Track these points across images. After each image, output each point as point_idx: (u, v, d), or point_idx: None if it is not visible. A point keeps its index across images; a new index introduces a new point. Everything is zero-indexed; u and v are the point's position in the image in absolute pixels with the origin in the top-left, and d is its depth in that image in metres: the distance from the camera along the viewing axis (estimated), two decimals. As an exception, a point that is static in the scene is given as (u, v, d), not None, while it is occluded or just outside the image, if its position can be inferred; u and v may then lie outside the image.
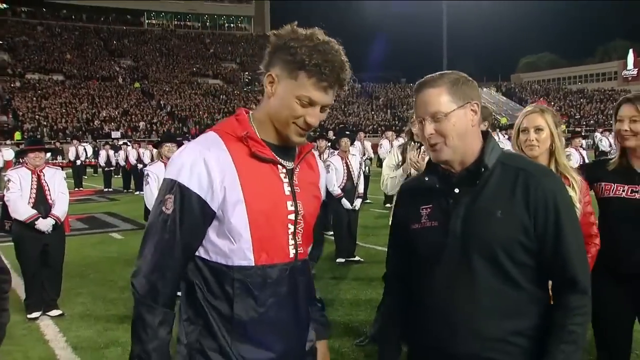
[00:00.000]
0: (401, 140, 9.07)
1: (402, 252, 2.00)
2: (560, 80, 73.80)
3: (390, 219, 2.23)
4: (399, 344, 2.02)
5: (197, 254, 1.73)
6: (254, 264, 1.70)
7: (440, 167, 1.88)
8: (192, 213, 1.66)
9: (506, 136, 15.23)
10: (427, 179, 1.91)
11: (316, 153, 2.01)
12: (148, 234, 1.71)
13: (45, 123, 40.21)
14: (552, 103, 53.59)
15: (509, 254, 1.75)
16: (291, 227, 1.76)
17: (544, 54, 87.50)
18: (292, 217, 1.76)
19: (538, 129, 2.84)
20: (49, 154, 6.69)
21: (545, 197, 1.76)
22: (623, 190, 2.93)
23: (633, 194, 2.89)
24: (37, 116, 41.00)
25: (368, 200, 13.97)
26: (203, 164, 1.66)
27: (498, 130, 15.51)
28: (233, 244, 1.69)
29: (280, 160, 1.76)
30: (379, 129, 41.95)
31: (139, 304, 1.67)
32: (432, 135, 1.80)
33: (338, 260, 8.36)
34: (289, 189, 1.76)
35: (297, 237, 1.78)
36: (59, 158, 28.53)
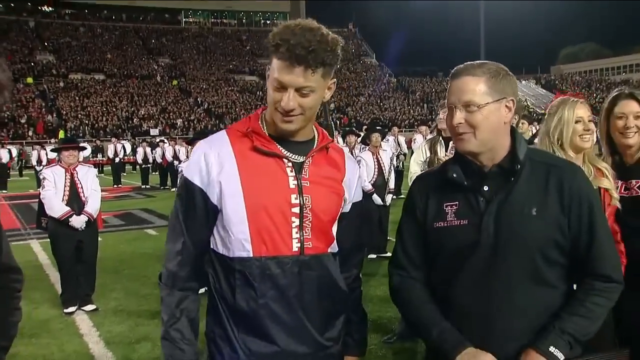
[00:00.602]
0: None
1: (420, 248, 1.89)
2: (602, 71, 71.73)
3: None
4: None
5: (211, 246, 1.81)
6: (252, 255, 1.72)
7: (469, 163, 1.80)
8: (195, 205, 1.77)
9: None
10: (454, 175, 1.81)
11: (346, 150, 1.97)
12: (169, 227, 1.85)
13: (86, 121, 41.22)
14: (595, 95, 52.20)
15: (545, 253, 1.71)
16: (296, 221, 1.75)
17: (585, 44, 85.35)
18: (296, 210, 1.75)
19: (590, 120, 2.72)
20: (85, 152, 6.85)
21: (580, 194, 1.73)
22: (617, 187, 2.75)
23: (626, 191, 2.75)
24: (79, 115, 42.05)
25: (402, 196, 13.86)
26: (203, 159, 1.76)
27: (536, 123, 15.15)
28: (232, 236, 1.74)
29: (286, 153, 1.77)
30: (415, 123, 41.61)
31: (160, 289, 1.82)
32: (461, 124, 1.74)
33: (369, 256, 8.32)
34: (295, 182, 1.76)
35: (303, 231, 1.76)
36: (99, 156, 29.15)
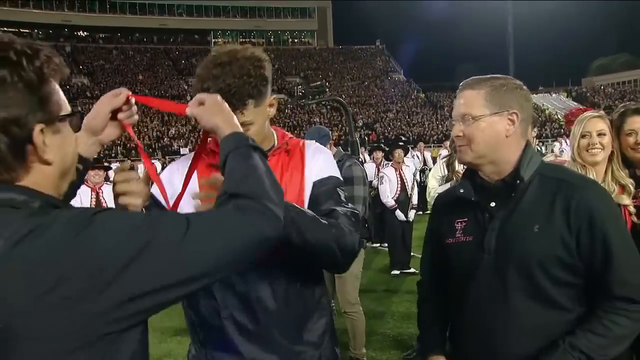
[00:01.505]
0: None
1: (436, 264, 1.95)
2: (637, 82, 70.30)
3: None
4: (443, 338, 1.93)
5: None
6: None
7: (478, 178, 1.81)
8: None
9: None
10: (462, 190, 1.83)
11: (310, 145, 1.93)
12: None
13: (118, 141, 42.04)
14: (629, 106, 51.09)
15: (546, 270, 1.65)
16: None
17: (618, 55, 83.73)
18: None
19: (601, 134, 2.74)
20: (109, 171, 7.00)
21: (590, 211, 1.64)
22: None
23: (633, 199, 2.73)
24: (111, 135, 42.90)
25: (428, 211, 13.74)
26: (169, 177, 1.83)
27: (565, 136, 14.92)
28: None
29: None
30: (444, 138, 41.38)
31: None
32: (459, 137, 1.76)
33: (393, 272, 8.31)
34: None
35: None
36: (131, 175, 29.61)
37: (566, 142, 15.55)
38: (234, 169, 1.26)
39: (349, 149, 7.10)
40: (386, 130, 47.54)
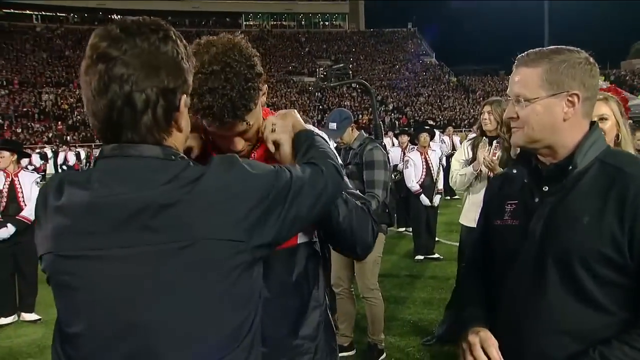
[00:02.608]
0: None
1: (482, 245, 1.83)
2: (677, 65, 67.97)
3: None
4: (483, 310, 1.75)
5: None
6: None
7: (533, 159, 1.66)
8: None
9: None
10: (514, 171, 1.72)
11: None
12: None
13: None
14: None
15: (590, 267, 1.48)
16: None
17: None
18: None
19: (602, 118, 2.62)
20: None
21: None
22: None
23: None
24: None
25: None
26: None
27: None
28: None
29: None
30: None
31: None
32: (512, 118, 1.62)
33: (416, 257, 8.23)
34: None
35: None
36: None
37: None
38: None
39: (374, 132, 6.97)
40: (417, 114, 47.12)
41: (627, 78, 57.32)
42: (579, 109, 1.56)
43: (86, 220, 1.17)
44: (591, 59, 1.60)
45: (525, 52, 1.63)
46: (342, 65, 9.51)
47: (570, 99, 1.55)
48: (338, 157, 1.58)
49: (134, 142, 1.20)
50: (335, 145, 4.67)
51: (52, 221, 1.21)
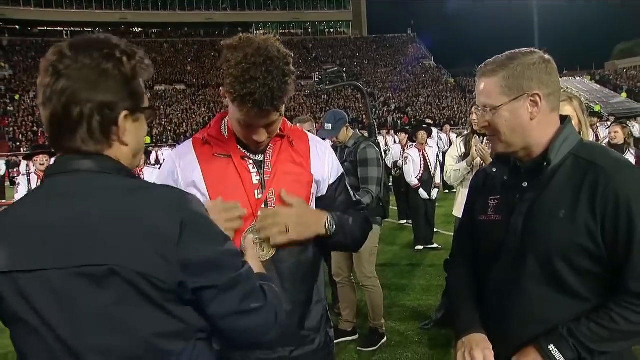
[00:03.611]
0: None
1: (468, 241, 1.79)
2: (659, 64, 67.15)
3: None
4: (477, 308, 1.72)
5: None
6: None
7: (512, 157, 1.64)
8: None
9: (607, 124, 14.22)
10: (494, 169, 1.69)
11: (313, 139, 1.91)
12: None
13: (169, 128, 42.67)
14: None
15: (568, 260, 1.47)
16: None
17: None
18: (261, 205, 1.72)
19: None
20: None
21: (617, 197, 1.43)
22: None
23: None
24: (163, 122, 43.59)
25: (454, 190, 13.48)
26: (173, 165, 1.77)
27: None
28: None
29: (245, 152, 1.75)
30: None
31: None
32: (485, 127, 1.61)
33: (416, 247, 8.21)
34: (258, 177, 1.73)
35: None
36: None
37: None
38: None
39: (367, 131, 6.98)
40: (417, 114, 46.91)
41: (611, 78, 56.74)
42: (543, 106, 1.54)
43: (25, 240, 1.14)
44: (546, 56, 1.58)
45: (484, 63, 1.62)
46: (336, 68, 9.47)
47: (532, 99, 1.54)
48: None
49: (73, 153, 1.20)
50: (331, 144, 4.69)
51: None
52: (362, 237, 1.89)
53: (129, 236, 1.11)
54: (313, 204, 1.82)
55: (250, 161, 1.74)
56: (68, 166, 1.20)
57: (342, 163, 4.55)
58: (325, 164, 1.86)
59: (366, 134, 8.66)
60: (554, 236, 1.48)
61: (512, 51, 1.59)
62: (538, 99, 1.53)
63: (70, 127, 1.17)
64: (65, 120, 1.17)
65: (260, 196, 1.71)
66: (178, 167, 1.74)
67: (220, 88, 1.66)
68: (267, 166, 1.75)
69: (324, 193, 1.85)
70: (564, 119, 1.61)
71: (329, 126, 4.44)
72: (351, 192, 1.93)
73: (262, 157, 1.76)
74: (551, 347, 1.47)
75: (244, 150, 1.75)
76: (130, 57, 1.22)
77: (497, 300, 1.61)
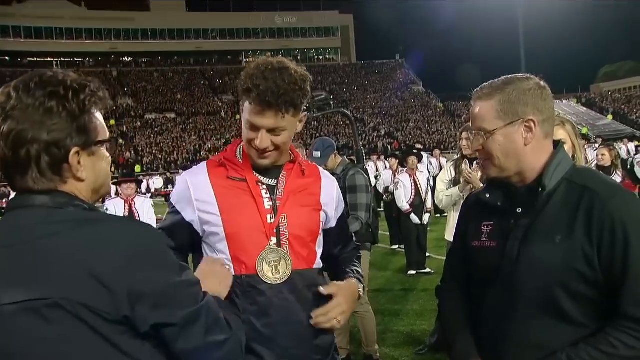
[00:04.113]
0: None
1: (461, 267, 1.76)
2: (640, 88, 68.32)
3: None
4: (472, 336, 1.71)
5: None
6: (234, 274, 1.69)
7: (502, 182, 1.64)
8: (175, 228, 1.80)
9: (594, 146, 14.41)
10: (487, 195, 1.67)
11: (323, 171, 1.99)
12: None
13: (160, 156, 42.66)
14: (635, 110, 50.03)
15: (564, 285, 1.46)
16: (273, 239, 1.74)
17: (624, 63, 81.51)
18: (273, 229, 1.75)
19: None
20: (157, 184, 7.12)
21: (612, 220, 1.43)
22: None
23: None
24: (153, 150, 43.60)
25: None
26: (186, 186, 1.80)
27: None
28: (217, 255, 1.75)
29: (259, 177, 1.79)
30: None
31: None
32: (479, 151, 1.62)
33: (409, 272, 8.22)
34: (270, 203, 1.76)
35: (282, 248, 1.75)
36: (170, 187, 30.02)
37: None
38: None
39: (356, 157, 7.06)
40: (407, 139, 47.24)
41: (597, 100, 57.63)
42: (538, 132, 1.55)
43: None
44: (542, 83, 1.60)
45: (480, 86, 1.63)
46: (323, 96, 9.54)
47: (527, 124, 1.54)
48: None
49: (26, 191, 1.18)
50: None
51: None
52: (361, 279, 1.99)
53: (74, 268, 1.09)
54: (321, 235, 1.88)
55: (264, 186, 1.79)
56: (23, 202, 1.19)
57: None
58: (334, 198, 1.93)
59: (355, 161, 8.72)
60: (550, 261, 1.47)
61: (509, 76, 1.62)
62: (533, 124, 1.54)
63: (20, 168, 1.16)
64: (14, 162, 1.16)
65: (272, 220, 1.75)
66: (191, 187, 1.78)
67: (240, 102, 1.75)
68: (279, 192, 1.79)
69: (333, 226, 1.93)
70: (557, 144, 1.62)
71: (317, 154, 4.51)
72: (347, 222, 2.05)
73: (275, 182, 1.80)
74: None
75: (258, 175, 1.80)
76: (77, 92, 1.19)
77: (493, 325, 1.60)
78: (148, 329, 1.13)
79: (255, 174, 1.79)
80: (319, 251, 1.88)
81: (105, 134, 1.26)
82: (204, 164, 1.86)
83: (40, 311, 1.08)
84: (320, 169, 1.98)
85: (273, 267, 1.72)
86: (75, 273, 1.08)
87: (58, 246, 1.11)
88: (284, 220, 1.76)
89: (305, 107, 1.76)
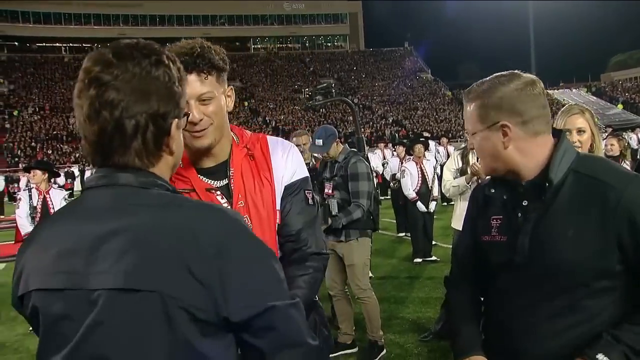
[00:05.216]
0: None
1: (470, 260, 1.76)
2: (653, 76, 67.63)
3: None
4: (478, 330, 1.71)
5: None
6: None
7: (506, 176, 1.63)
8: None
9: (603, 135, 14.32)
10: (492, 190, 1.65)
11: (273, 141, 1.79)
12: None
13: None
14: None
15: (578, 277, 1.45)
16: None
17: (635, 51, 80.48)
18: None
19: (580, 131, 2.65)
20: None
21: (629, 212, 1.41)
22: None
23: None
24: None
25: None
26: None
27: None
28: None
29: (207, 181, 1.66)
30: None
31: None
32: (472, 149, 1.67)
33: (415, 260, 8.23)
34: (229, 208, 1.62)
35: None
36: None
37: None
38: None
39: (356, 146, 7.09)
40: (415, 127, 47.12)
41: (607, 90, 57.12)
42: (518, 134, 1.53)
43: (62, 256, 1.06)
44: (529, 81, 1.55)
45: (471, 86, 1.64)
46: (325, 84, 9.46)
47: (503, 129, 1.53)
48: None
49: (119, 167, 1.11)
50: (322, 158, 4.80)
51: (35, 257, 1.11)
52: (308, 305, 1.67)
53: (166, 260, 1.02)
54: (279, 216, 1.73)
55: (218, 192, 1.66)
56: (109, 180, 1.11)
57: (333, 177, 4.67)
58: (283, 165, 1.75)
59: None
60: (563, 255, 1.46)
61: (495, 76, 1.60)
62: (508, 129, 1.53)
63: (123, 142, 1.08)
64: (117, 135, 1.08)
65: None
66: None
67: None
68: (234, 190, 1.66)
69: (281, 196, 1.73)
70: (559, 134, 1.60)
71: (319, 142, 4.52)
72: (307, 204, 1.77)
73: (227, 181, 1.67)
74: (600, 356, 1.42)
75: (205, 179, 1.66)
76: (175, 61, 1.16)
77: (505, 319, 1.60)
78: (240, 327, 1.05)
79: (201, 177, 1.66)
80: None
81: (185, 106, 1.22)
82: None
83: (130, 300, 1.00)
84: (269, 138, 1.81)
85: None
86: (168, 264, 1.01)
87: (147, 232, 1.04)
88: (248, 221, 1.63)
89: (227, 80, 1.68)
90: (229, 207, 1.63)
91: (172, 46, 1.57)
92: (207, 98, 1.59)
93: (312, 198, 1.80)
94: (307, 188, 1.80)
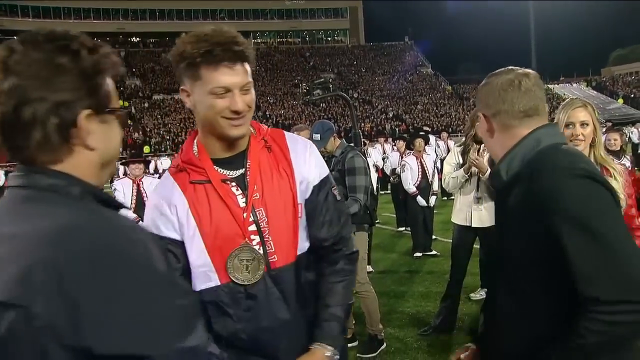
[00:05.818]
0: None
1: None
2: (655, 71, 67.46)
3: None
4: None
5: None
6: (220, 284, 1.62)
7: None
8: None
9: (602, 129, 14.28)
10: (491, 182, 1.82)
11: (292, 137, 1.79)
12: None
13: (167, 137, 42.75)
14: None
15: (524, 272, 1.49)
16: (256, 238, 1.63)
17: (636, 46, 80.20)
18: (253, 227, 1.63)
19: (584, 124, 2.65)
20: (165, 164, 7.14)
21: (545, 199, 1.40)
22: None
23: None
24: (161, 131, 43.70)
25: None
26: (157, 200, 1.69)
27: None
28: (195, 270, 1.64)
29: (224, 172, 1.66)
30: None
31: None
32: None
33: (415, 254, 8.24)
34: (244, 199, 1.64)
35: (266, 246, 1.63)
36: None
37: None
38: None
39: (354, 140, 7.11)
40: (415, 121, 47.06)
41: (608, 84, 57.04)
42: (493, 124, 1.65)
43: None
44: (515, 76, 1.60)
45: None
46: (322, 79, 9.49)
47: (484, 117, 1.67)
48: None
49: (29, 164, 1.05)
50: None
51: None
52: (349, 310, 1.82)
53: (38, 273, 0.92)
54: (303, 211, 1.72)
55: (233, 183, 1.65)
56: (21, 180, 1.05)
57: (330, 172, 4.65)
58: (306, 163, 1.74)
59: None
60: (510, 246, 1.55)
61: (498, 70, 1.69)
62: (484, 119, 1.67)
63: (23, 131, 1.01)
64: (16, 124, 1.01)
65: (251, 218, 1.64)
66: (165, 204, 1.65)
67: (181, 88, 1.62)
68: (249, 182, 1.66)
69: (308, 196, 1.73)
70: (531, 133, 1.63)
71: (317, 136, 4.53)
72: (337, 201, 1.80)
73: (243, 171, 1.67)
74: None
75: (221, 170, 1.67)
76: (92, 50, 1.07)
77: (487, 314, 1.71)
78: None
79: (217, 169, 1.66)
80: (304, 233, 1.72)
81: (117, 103, 1.14)
82: (168, 175, 1.71)
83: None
84: (287, 134, 1.80)
85: (244, 266, 1.62)
86: (37, 278, 0.91)
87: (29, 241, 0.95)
88: (262, 214, 1.64)
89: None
90: (244, 199, 1.63)
91: (212, 33, 1.54)
92: (248, 88, 1.59)
93: (339, 193, 1.82)
94: (333, 184, 1.82)
